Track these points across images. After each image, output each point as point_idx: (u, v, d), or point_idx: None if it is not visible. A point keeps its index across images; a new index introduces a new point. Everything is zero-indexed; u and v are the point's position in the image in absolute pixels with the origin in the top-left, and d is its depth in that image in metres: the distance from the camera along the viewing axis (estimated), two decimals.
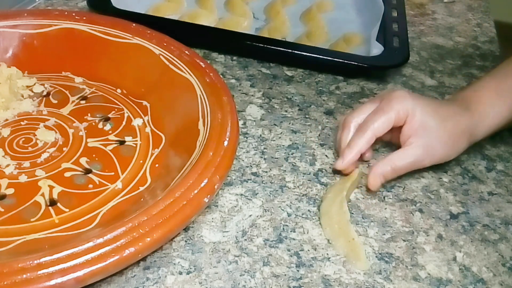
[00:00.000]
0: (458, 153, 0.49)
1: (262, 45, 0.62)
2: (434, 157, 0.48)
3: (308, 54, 0.62)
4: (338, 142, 0.50)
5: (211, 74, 0.52)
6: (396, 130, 0.48)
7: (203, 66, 0.53)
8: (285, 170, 0.49)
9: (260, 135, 0.53)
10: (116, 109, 0.53)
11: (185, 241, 0.42)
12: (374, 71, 0.64)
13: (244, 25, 0.70)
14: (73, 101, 0.54)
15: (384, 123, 0.47)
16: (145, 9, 0.70)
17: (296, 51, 0.62)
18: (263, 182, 0.48)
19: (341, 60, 0.61)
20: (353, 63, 0.61)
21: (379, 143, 0.53)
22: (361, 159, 0.50)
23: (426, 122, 0.47)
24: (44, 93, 0.54)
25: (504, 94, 0.50)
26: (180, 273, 0.40)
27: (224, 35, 0.64)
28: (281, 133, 0.54)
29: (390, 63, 0.62)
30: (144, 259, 0.40)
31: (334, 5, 0.75)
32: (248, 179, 0.48)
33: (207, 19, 0.70)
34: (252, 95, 0.59)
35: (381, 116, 0.47)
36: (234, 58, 0.64)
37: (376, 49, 0.63)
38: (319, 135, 0.54)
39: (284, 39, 0.68)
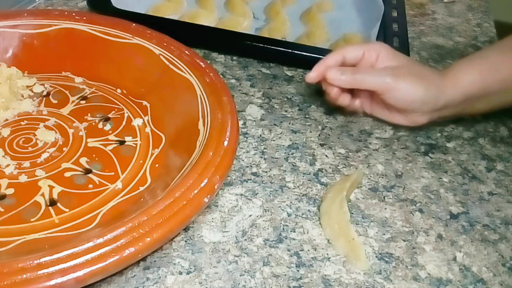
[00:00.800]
0: (425, 102, 0.50)
1: (262, 45, 0.62)
2: (401, 83, 0.50)
3: (309, 54, 0.62)
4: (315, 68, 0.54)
5: (211, 74, 0.52)
6: (375, 99, 0.53)
7: (203, 66, 0.53)
8: (285, 170, 0.49)
9: (260, 135, 0.53)
10: (116, 109, 0.53)
11: (185, 241, 0.42)
12: None
13: (244, 25, 0.70)
14: (73, 101, 0.54)
15: (355, 48, 0.51)
16: (145, 9, 0.70)
17: (297, 51, 0.62)
18: (263, 182, 0.48)
19: None
20: None
21: (378, 142, 0.53)
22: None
23: (398, 57, 0.51)
24: (44, 93, 0.54)
25: (477, 62, 0.51)
26: (180, 273, 0.40)
27: (224, 35, 0.64)
28: (281, 133, 0.54)
29: None
30: (144, 259, 0.40)
31: (334, 5, 0.75)
32: (248, 179, 0.48)
33: (207, 19, 0.70)
34: (252, 95, 0.59)
35: (352, 45, 0.53)
36: (234, 58, 0.64)
37: None
38: (319, 135, 0.54)
39: (284, 39, 0.68)
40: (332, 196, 0.46)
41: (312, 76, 0.52)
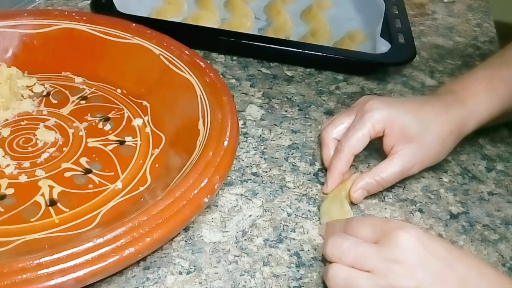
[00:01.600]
0: (448, 153, 0.48)
1: (283, 46, 0.62)
2: (422, 163, 0.47)
3: (320, 53, 0.62)
4: (321, 159, 0.50)
5: (211, 74, 0.52)
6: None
7: (203, 66, 0.53)
8: (285, 170, 0.49)
9: (260, 135, 0.53)
10: (116, 109, 0.53)
11: (185, 241, 0.42)
12: (381, 69, 0.64)
13: (247, 25, 0.70)
14: (73, 101, 0.54)
15: (359, 141, 0.45)
16: (147, 12, 0.70)
17: (313, 51, 0.62)
18: (263, 182, 0.48)
19: (355, 59, 0.63)
20: (372, 61, 0.62)
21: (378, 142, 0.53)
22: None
23: (408, 129, 0.45)
24: (44, 93, 0.54)
25: (497, 85, 0.48)
26: (180, 273, 0.40)
27: (224, 35, 0.64)
28: (281, 133, 0.54)
29: (401, 59, 0.62)
30: (144, 259, 0.40)
31: (333, 2, 0.75)
32: (248, 179, 0.48)
33: (209, 21, 0.70)
34: (252, 95, 0.59)
35: (355, 134, 0.45)
36: (234, 58, 0.64)
37: (383, 46, 0.63)
38: (319, 135, 0.54)
39: (287, 38, 0.68)
40: (332, 196, 0.46)
41: (329, 190, 0.47)
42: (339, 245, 0.37)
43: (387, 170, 0.46)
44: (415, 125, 0.45)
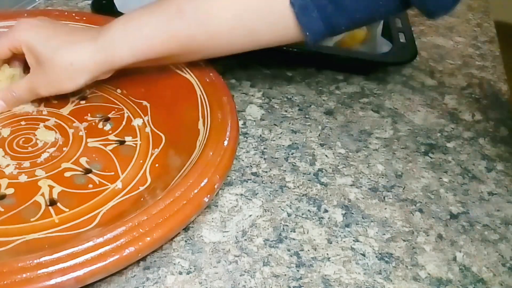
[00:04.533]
0: (77, 84, 0.49)
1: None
2: (46, 86, 0.49)
3: (322, 53, 0.62)
4: None
5: (211, 74, 0.52)
6: None
7: (203, 66, 0.53)
8: (285, 170, 0.49)
9: (260, 135, 0.53)
10: (116, 109, 0.53)
11: (185, 241, 0.42)
12: (381, 69, 0.64)
13: None
14: (73, 101, 0.54)
15: None
16: None
17: (313, 51, 0.62)
18: (263, 182, 0.48)
19: (356, 58, 0.63)
20: (374, 60, 0.63)
21: (378, 142, 0.53)
22: None
23: (37, 52, 0.48)
24: None
25: (129, 29, 0.48)
26: (180, 273, 0.40)
27: None
28: (281, 133, 0.54)
29: (402, 58, 0.62)
30: (144, 259, 0.40)
31: None
32: (248, 179, 0.48)
33: None
34: (252, 95, 0.59)
35: None
36: (234, 58, 0.64)
37: (384, 45, 0.63)
38: (319, 135, 0.54)
39: None
40: None
41: None
42: None
43: (19, 85, 0.51)
44: (44, 50, 0.48)
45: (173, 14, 0.47)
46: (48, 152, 0.48)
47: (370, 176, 0.50)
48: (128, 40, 0.47)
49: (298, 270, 0.41)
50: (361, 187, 0.48)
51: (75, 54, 0.47)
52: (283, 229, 0.44)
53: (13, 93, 0.50)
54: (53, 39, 0.48)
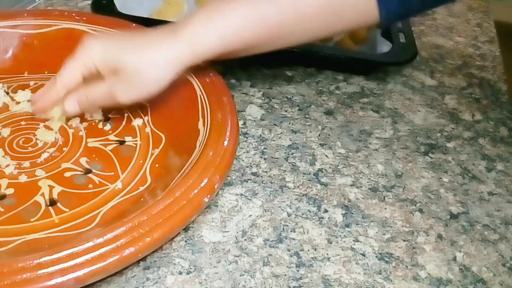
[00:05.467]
0: (162, 85, 0.47)
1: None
2: (127, 91, 0.47)
3: (323, 53, 0.62)
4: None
5: (211, 74, 0.52)
6: None
7: (203, 66, 0.53)
8: (285, 170, 0.49)
9: (260, 135, 0.53)
10: (116, 109, 0.53)
11: (185, 241, 0.42)
12: (381, 69, 0.64)
13: None
14: None
15: (70, 74, 0.47)
16: (148, 13, 0.70)
17: (314, 51, 0.62)
18: (263, 182, 0.48)
19: (356, 58, 0.63)
20: (374, 60, 0.63)
21: (378, 142, 0.53)
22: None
23: (115, 62, 0.46)
24: None
25: (215, 17, 0.47)
26: (180, 273, 0.40)
27: None
28: (281, 133, 0.54)
29: (403, 58, 0.62)
30: (144, 259, 0.40)
31: None
32: (248, 179, 0.48)
33: None
34: (252, 95, 0.59)
35: (66, 67, 0.47)
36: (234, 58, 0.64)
37: (385, 45, 0.63)
38: (319, 135, 0.54)
39: None
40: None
41: (34, 111, 0.51)
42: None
43: (95, 89, 0.47)
44: (122, 54, 0.46)
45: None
46: (48, 152, 0.48)
47: (370, 176, 0.50)
48: (216, 28, 0.47)
49: (298, 270, 0.41)
50: (361, 187, 0.48)
51: (157, 54, 0.46)
52: (283, 229, 0.44)
53: (88, 97, 0.48)
54: (126, 47, 0.47)
